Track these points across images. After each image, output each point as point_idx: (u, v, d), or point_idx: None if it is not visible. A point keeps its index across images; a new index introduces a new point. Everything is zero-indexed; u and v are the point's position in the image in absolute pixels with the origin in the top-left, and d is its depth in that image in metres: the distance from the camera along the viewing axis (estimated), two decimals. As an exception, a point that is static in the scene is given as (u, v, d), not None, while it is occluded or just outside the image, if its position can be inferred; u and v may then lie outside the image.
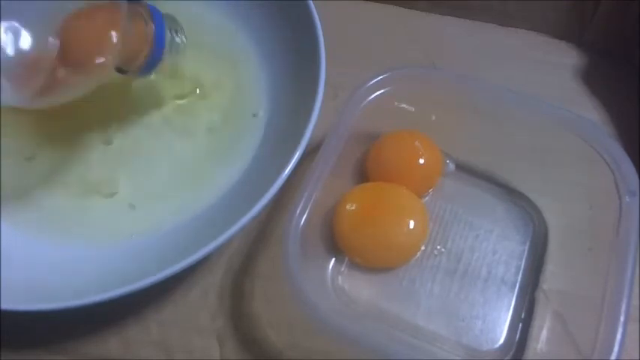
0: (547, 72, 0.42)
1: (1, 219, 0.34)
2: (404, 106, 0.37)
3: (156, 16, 0.33)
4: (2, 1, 0.26)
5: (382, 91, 0.34)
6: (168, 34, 0.34)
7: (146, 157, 0.37)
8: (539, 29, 0.44)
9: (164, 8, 0.36)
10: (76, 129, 0.37)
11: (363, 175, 0.37)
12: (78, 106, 0.37)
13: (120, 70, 0.32)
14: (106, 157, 0.37)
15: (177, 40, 0.34)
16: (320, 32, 0.35)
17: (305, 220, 0.30)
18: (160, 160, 0.37)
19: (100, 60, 0.29)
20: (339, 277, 0.35)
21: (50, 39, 0.27)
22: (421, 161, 0.36)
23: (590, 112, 0.41)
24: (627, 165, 0.31)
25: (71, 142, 0.37)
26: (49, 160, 0.37)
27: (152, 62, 0.33)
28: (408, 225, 0.34)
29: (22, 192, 0.36)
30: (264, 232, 0.36)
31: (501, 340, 0.33)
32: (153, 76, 0.35)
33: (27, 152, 0.37)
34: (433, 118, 0.37)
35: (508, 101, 0.35)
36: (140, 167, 0.36)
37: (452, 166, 0.38)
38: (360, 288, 0.34)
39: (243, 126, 0.37)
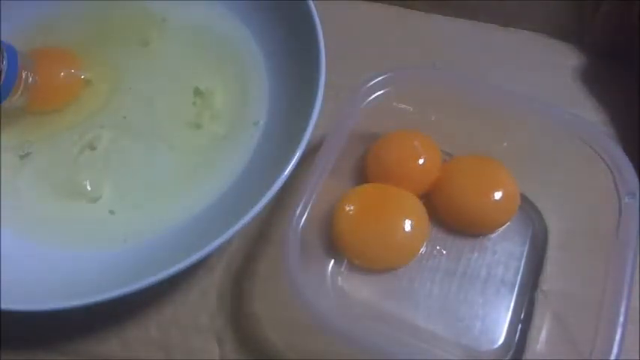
0: (547, 72, 0.42)
1: (1, 220, 0.34)
2: (404, 106, 0.37)
3: (9, 54, 0.35)
4: None
5: (382, 91, 0.34)
6: (21, 73, 0.36)
7: (135, 163, 0.37)
8: (539, 29, 0.44)
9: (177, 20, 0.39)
10: (65, 131, 0.38)
11: (362, 175, 0.37)
12: (68, 109, 0.38)
13: None
14: (93, 162, 0.37)
15: (30, 79, 0.36)
16: (320, 32, 0.35)
17: (305, 220, 0.30)
18: (150, 165, 0.37)
19: None
20: (339, 278, 0.35)
21: None
22: (420, 161, 0.36)
23: (589, 112, 0.41)
24: (627, 166, 0.31)
25: (59, 145, 0.37)
26: (42, 160, 0.37)
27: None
28: (408, 226, 0.34)
29: (16, 191, 0.36)
30: (264, 232, 0.36)
31: (500, 341, 0.33)
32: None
33: (21, 150, 0.37)
34: (433, 118, 0.37)
35: (508, 101, 0.35)
36: (127, 173, 0.36)
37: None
38: (360, 288, 0.34)
39: (243, 132, 0.37)
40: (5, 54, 0.35)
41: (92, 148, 0.37)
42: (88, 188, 0.36)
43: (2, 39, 0.35)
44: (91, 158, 0.37)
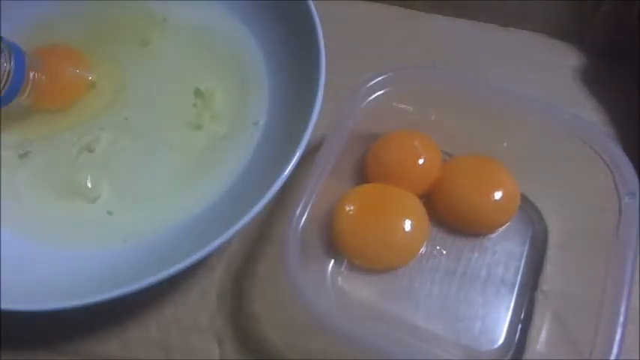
0: (547, 72, 0.42)
1: (1, 220, 0.34)
2: (404, 106, 0.37)
3: (16, 55, 0.35)
4: None
5: (382, 91, 0.34)
6: (28, 73, 0.36)
7: (134, 164, 0.37)
8: (539, 29, 0.44)
9: (178, 20, 0.39)
10: (66, 131, 0.38)
11: (362, 175, 0.37)
12: (72, 109, 0.38)
13: None
14: (92, 162, 0.37)
15: (37, 79, 0.36)
16: (320, 33, 0.35)
17: (305, 220, 0.30)
18: (150, 165, 0.37)
19: None
20: (339, 278, 0.35)
21: None
22: (421, 161, 0.36)
23: (589, 112, 0.41)
24: (627, 166, 0.31)
25: (59, 144, 0.37)
26: (41, 159, 0.37)
27: (5, 99, 0.35)
28: (407, 226, 0.34)
29: (15, 190, 0.36)
30: (264, 232, 0.36)
31: (500, 341, 0.33)
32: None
33: (21, 149, 0.37)
34: (433, 118, 0.37)
35: (508, 101, 0.35)
36: (127, 174, 0.36)
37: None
38: (360, 288, 0.34)
39: (243, 132, 0.37)
40: (12, 55, 0.35)
41: (90, 150, 0.37)
42: (87, 188, 0.36)
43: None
44: (90, 159, 0.37)
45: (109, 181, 0.36)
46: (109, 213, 0.35)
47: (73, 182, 0.36)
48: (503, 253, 0.35)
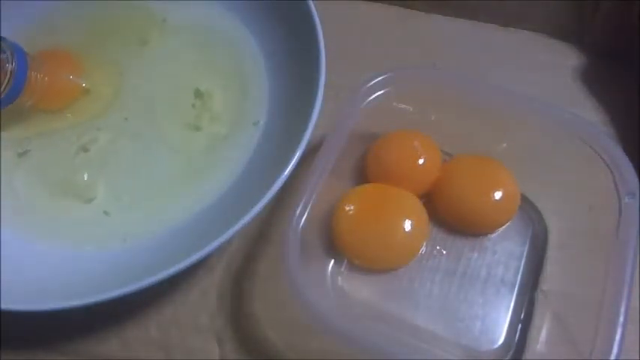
0: (547, 72, 0.42)
1: (0, 220, 0.34)
2: (404, 106, 0.37)
3: (18, 55, 0.35)
4: None
5: (382, 91, 0.34)
6: (30, 74, 0.36)
7: (133, 164, 0.37)
8: (539, 29, 0.44)
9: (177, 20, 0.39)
10: (65, 131, 0.38)
11: (362, 175, 0.37)
12: (72, 110, 0.38)
13: None
14: (90, 162, 0.37)
15: (39, 80, 0.36)
16: (320, 33, 0.35)
17: (305, 220, 0.30)
18: (150, 165, 0.37)
19: None
20: (339, 278, 0.35)
21: None
22: (420, 161, 0.36)
23: (589, 112, 0.41)
24: (627, 166, 0.31)
25: (58, 144, 0.37)
26: (39, 158, 0.37)
27: (7, 99, 0.35)
28: (408, 226, 0.34)
29: (14, 190, 0.36)
30: (264, 232, 0.36)
31: (500, 341, 0.33)
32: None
33: (20, 147, 0.37)
34: (433, 118, 0.37)
35: (508, 101, 0.35)
36: (125, 174, 0.36)
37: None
38: (360, 288, 0.34)
39: (243, 133, 0.37)
40: (15, 55, 0.35)
41: (85, 150, 0.37)
42: (84, 188, 0.36)
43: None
44: (87, 159, 0.37)
45: (106, 182, 0.36)
46: (106, 213, 0.35)
47: (70, 182, 0.36)
48: (503, 253, 0.35)
